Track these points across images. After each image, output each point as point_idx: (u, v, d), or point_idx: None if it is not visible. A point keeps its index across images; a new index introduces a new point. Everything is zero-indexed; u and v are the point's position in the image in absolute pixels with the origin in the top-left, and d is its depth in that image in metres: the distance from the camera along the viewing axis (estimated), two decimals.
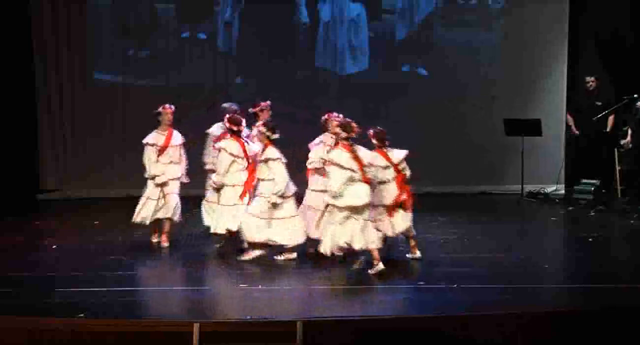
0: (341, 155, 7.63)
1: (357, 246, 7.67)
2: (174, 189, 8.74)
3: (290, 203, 8.08)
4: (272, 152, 8.02)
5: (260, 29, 12.51)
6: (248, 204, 8.23)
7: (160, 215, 8.71)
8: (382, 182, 7.96)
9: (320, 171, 8.14)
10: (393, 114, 12.20)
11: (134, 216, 8.67)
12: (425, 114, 12.54)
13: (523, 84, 12.80)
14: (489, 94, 12.76)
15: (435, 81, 12.76)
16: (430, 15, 12.88)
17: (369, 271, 7.68)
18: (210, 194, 8.80)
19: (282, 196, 7.95)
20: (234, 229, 8.19)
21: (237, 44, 12.66)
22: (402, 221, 8.03)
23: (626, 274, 8.00)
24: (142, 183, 8.83)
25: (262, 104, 8.85)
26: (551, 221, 10.89)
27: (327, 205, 7.88)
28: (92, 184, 12.18)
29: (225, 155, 8.25)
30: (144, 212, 8.65)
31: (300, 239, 8.14)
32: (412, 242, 8.23)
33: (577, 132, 12.42)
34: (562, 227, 10.88)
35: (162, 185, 8.63)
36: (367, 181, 7.68)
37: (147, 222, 8.71)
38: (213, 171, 8.60)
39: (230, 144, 8.31)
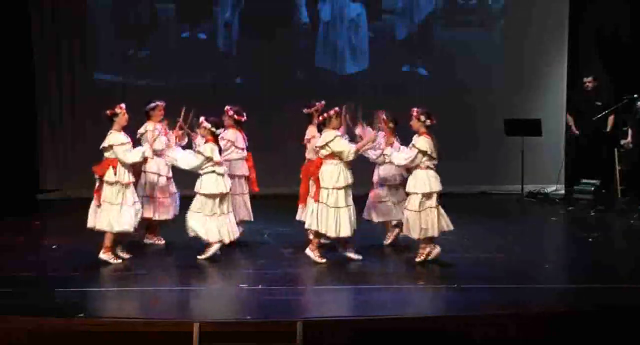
0: (428, 142, 7.93)
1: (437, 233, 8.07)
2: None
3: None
4: (206, 148, 8.06)
5: (260, 29, 12.50)
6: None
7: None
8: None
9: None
10: (393, 114, 12.18)
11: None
12: None
13: (523, 84, 12.80)
14: (489, 94, 12.75)
15: (435, 81, 12.76)
16: (430, 15, 12.88)
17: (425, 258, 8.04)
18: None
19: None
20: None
21: (237, 44, 12.66)
22: None
23: (626, 274, 8.01)
24: None
25: (317, 104, 8.80)
26: (551, 221, 10.89)
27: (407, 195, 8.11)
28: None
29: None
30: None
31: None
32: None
33: (577, 132, 12.41)
34: (562, 227, 10.88)
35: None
36: None
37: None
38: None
39: (236, 136, 8.54)
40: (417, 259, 8.06)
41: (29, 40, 12.16)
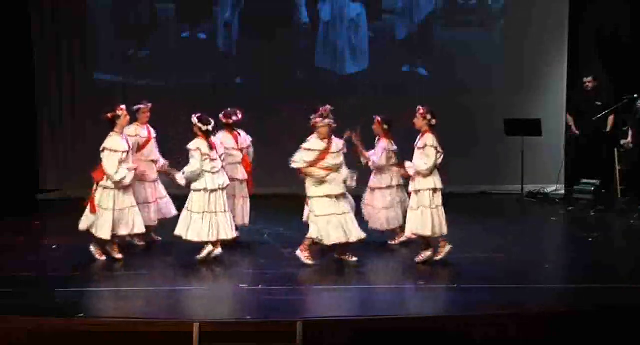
0: (434, 139, 7.95)
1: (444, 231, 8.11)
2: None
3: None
4: (194, 143, 8.05)
5: (260, 29, 12.50)
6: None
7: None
8: None
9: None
10: (393, 114, 12.18)
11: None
12: None
13: (523, 84, 12.78)
14: (489, 94, 12.75)
15: (435, 81, 12.75)
16: (430, 15, 12.86)
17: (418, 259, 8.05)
18: None
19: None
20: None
21: (237, 44, 12.65)
22: None
23: (626, 274, 8.01)
24: None
25: (322, 109, 8.78)
26: (551, 221, 10.89)
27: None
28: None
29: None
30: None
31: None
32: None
33: (577, 132, 12.41)
34: (562, 227, 10.88)
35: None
36: None
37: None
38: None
39: (226, 137, 8.60)
40: (438, 257, 8.07)
41: (29, 40, 12.15)
